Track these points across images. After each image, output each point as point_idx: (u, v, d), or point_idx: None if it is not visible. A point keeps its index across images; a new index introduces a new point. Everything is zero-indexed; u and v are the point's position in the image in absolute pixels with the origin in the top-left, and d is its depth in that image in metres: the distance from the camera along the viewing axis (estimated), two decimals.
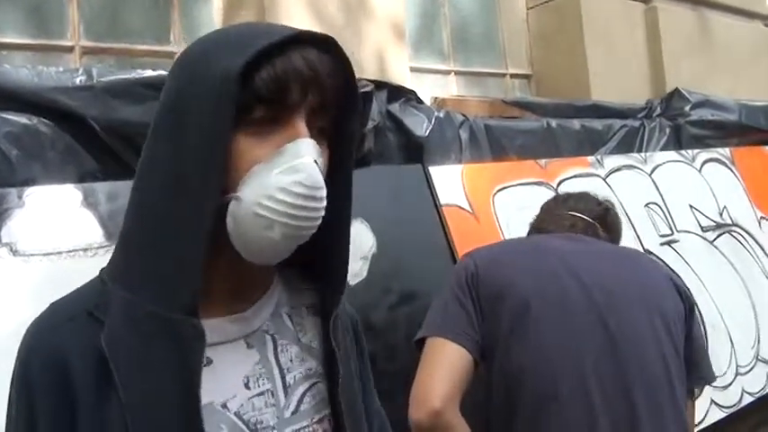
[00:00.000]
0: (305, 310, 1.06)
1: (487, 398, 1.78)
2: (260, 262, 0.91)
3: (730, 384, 3.19)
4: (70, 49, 3.19)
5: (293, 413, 0.97)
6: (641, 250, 3.17)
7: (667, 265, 3.15)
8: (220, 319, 0.94)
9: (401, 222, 2.53)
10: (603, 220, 2.00)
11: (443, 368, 1.68)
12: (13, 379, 0.89)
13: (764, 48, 6.33)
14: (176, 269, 0.86)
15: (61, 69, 1.98)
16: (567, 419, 1.64)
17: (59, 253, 1.80)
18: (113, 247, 0.94)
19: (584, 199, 2.08)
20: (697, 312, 1.86)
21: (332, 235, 0.99)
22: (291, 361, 1.00)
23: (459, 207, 2.75)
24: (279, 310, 1.02)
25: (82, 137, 1.98)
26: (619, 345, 1.68)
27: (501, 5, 5.19)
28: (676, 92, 4.15)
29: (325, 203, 0.88)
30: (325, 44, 0.91)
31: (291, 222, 0.86)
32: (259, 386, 0.95)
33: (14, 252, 1.75)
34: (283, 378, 0.98)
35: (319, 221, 0.89)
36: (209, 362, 0.91)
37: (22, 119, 1.89)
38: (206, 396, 0.87)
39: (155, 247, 0.88)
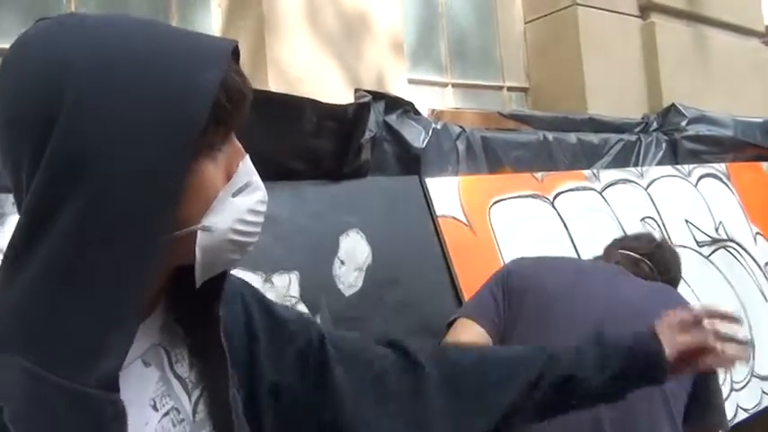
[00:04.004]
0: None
1: None
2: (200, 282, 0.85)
3: (725, 400, 3.18)
4: None
5: (193, 423, 0.89)
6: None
7: None
8: None
9: (397, 233, 2.53)
10: (652, 256, 2.12)
11: (463, 342, 1.84)
12: None
13: (761, 64, 6.36)
14: (102, 333, 0.72)
15: None
16: (567, 417, 1.68)
17: None
18: None
19: (639, 238, 2.27)
20: None
21: None
22: (189, 369, 0.92)
23: (456, 219, 2.75)
24: (168, 319, 0.92)
25: None
26: None
27: (498, 18, 5.22)
28: (673, 107, 4.16)
29: None
30: (237, 52, 0.85)
31: (254, 240, 0.86)
32: (164, 405, 0.86)
33: None
34: (186, 388, 0.90)
35: None
36: None
37: None
38: None
39: (79, 302, 0.72)
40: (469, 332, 1.87)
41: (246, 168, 0.85)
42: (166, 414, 0.86)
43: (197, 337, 0.93)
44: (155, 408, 0.85)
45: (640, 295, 1.93)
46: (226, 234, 0.82)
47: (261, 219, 0.85)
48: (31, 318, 0.72)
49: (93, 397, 0.71)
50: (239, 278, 1.12)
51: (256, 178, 0.85)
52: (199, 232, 0.80)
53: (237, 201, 0.83)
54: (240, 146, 0.86)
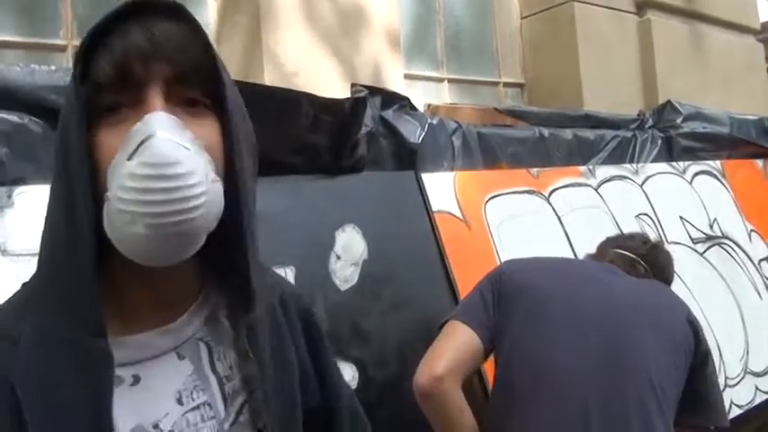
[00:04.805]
0: (242, 309, 0.95)
1: (493, 387, 1.92)
2: (153, 263, 0.80)
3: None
4: (63, 48, 3.19)
5: (232, 425, 0.90)
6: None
7: None
8: (147, 334, 0.87)
9: (393, 228, 2.52)
10: (646, 256, 2.13)
11: (452, 345, 1.85)
12: None
13: (756, 62, 6.38)
14: (73, 285, 0.79)
15: (53, 68, 1.97)
16: (559, 415, 1.72)
17: None
18: None
19: (633, 237, 2.27)
20: (712, 356, 1.94)
21: (231, 226, 0.89)
22: (231, 368, 0.93)
23: (451, 214, 2.75)
24: (216, 314, 0.95)
25: None
26: (619, 354, 1.77)
27: (495, 14, 5.22)
28: (668, 104, 4.16)
29: (192, 181, 0.77)
30: (173, 11, 0.84)
31: (148, 210, 0.75)
32: (193, 400, 0.88)
33: (3, 252, 1.74)
34: (222, 388, 0.91)
35: (194, 203, 0.77)
36: (137, 380, 0.84)
37: (13, 117, 1.88)
38: (134, 419, 0.82)
39: (53, 264, 0.83)
40: (461, 335, 1.87)
41: (143, 127, 0.77)
42: (195, 408, 0.87)
43: (247, 341, 0.92)
44: (179, 401, 0.86)
45: (634, 293, 1.94)
46: (114, 202, 0.77)
47: (144, 183, 0.75)
48: (36, 272, 0.86)
49: (81, 342, 0.78)
50: (308, 309, 1.11)
51: (156, 138, 0.76)
52: (105, 202, 0.78)
53: (128, 164, 0.76)
54: (151, 103, 0.79)
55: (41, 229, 0.86)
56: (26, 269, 1.74)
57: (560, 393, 1.73)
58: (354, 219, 2.42)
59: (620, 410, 1.71)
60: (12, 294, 0.89)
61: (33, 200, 1.83)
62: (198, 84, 0.84)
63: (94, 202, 0.79)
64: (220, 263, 0.93)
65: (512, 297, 1.91)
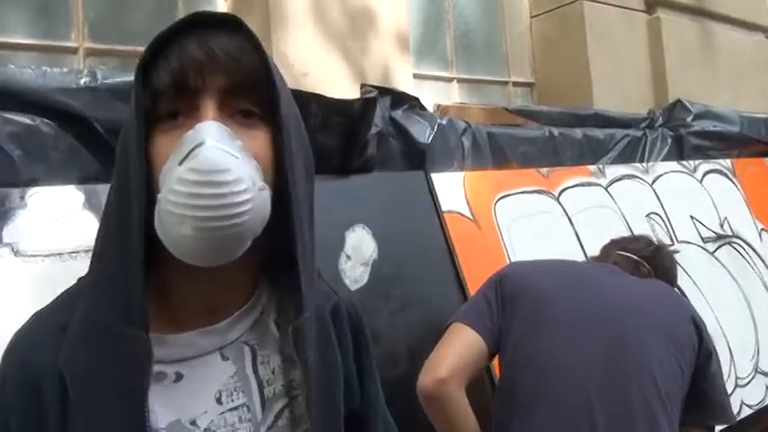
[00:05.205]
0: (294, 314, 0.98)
1: (497, 388, 1.95)
2: (198, 263, 0.84)
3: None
4: (75, 51, 3.20)
5: (269, 428, 0.93)
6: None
7: None
8: (191, 333, 0.91)
9: (402, 229, 2.53)
10: (650, 258, 2.11)
11: (457, 347, 1.85)
12: None
13: (766, 60, 6.34)
14: (122, 279, 0.83)
15: (65, 70, 1.98)
16: (564, 416, 1.73)
17: (61, 254, 1.80)
18: None
19: (638, 239, 2.25)
20: (717, 356, 1.92)
21: (286, 230, 0.92)
22: (273, 373, 0.96)
23: (461, 214, 2.75)
24: (265, 318, 0.98)
25: (85, 138, 1.98)
26: (621, 355, 1.77)
27: (505, 14, 5.21)
28: (678, 102, 4.15)
29: (238, 188, 0.80)
30: (230, 24, 0.88)
31: (196, 214, 0.79)
32: (233, 401, 0.91)
33: (16, 252, 1.75)
34: (261, 391, 0.94)
35: (240, 209, 0.81)
36: (179, 377, 0.88)
37: (25, 119, 1.89)
38: (173, 413, 0.86)
39: (106, 260, 0.87)
40: (464, 337, 1.87)
41: (194, 135, 0.81)
42: (234, 409, 0.91)
43: (293, 345, 0.94)
44: (218, 401, 0.90)
45: (636, 294, 1.94)
46: (164, 204, 0.81)
47: (194, 189, 0.79)
48: (90, 267, 0.90)
49: (125, 335, 0.82)
50: (359, 317, 1.13)
51: (205, 146, 0.80)
52: (157, 202, 0.83)
53: (179, 170, 0.80)
54: (204, 113, 0.83)
55: (98, 225, 0.91)
56: (38, 269, 1.76)
57: (563, 395, 1.74)
58: (364, 219, 2.43)
59: (624, 411, 1.70)
60: (68, 287, 0.94)
61: (45, 201, 1.84)
62: (252, 95, 0.87)
63: (148, 202, 0.83)
64: (275, 267, 0.98)
65: (514, 299, 1.91)
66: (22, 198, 1.81)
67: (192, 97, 0.84)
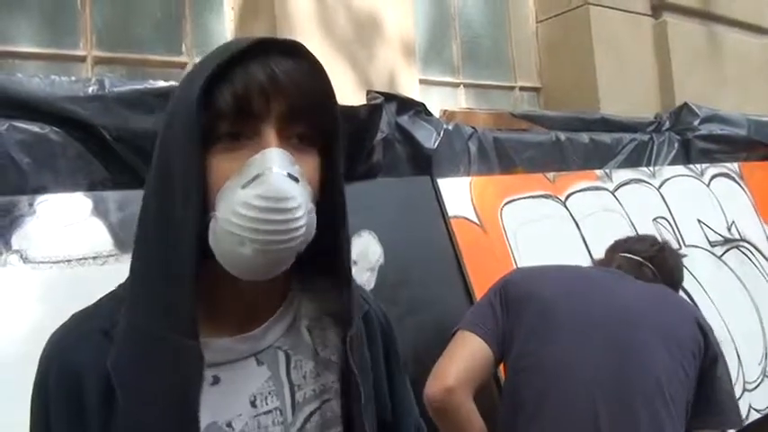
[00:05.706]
0: (328, 320, 1.04)
1: (503, 392, 1.94)
2: (249, 278, 0.88)
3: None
4: (83, 59, 3.22)
5: (298, 431, 0.96)
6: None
7: None
8: (228, 339, 0.94)
9: (409, 234, 2.53)
10: (654, 259, 2.10)
11: (463, 355, 1.85)
12: (34, 383, 0.91)
13: None
14: (171, 290, 0.86)
15: (73, 79, 2.00)
16: (568, 419, 1.73)
17: (69, 261, 1.81)
18: (123, 255, 0.96)
19: (643, 240, 2.23)
20: (723, 359, 1.91)
21: (332, 242, 0.97)
22: (305, 377, 0.99)
23: (467, 219, 2.75)
24: (297, 324, 1.01)
25: (93, 146, 1.99)
26: (625, 358, 1.76)
27: (511, 19, 5.21)
28: (685, 106, 4.15)
29: (299, 214, 0.85)
30: (293, 50, 0.90)
31: (259, 237, 0.83)
32: (267, 404, 0.94)
33: (25, 259, 1.76)
34: (293, 395, 0.97)
35: (297, 233, 0.86)
36: (216, 381, 0.91)
37: (33, 127, 1.91)
38: (210, 415, 0.89)
39: (152, 269, 0.89)
40: (470, 345, 1.87)
41: (260, 162, 0.84)
42: (268, 412, 0.94)
43: (349, 353, 0.97)
44: (253, 404, 0.94)
45: (640, 297, 1.93)
46: (224, 224, 0.84)
47: (260, 215, 0.82)
48: (131, 275, 0.91)
49: (175, 342, 0.84)
50: (389, 324, 1.17)
51: (272, 173, 0.83)
52: (212, 220, 0.86)
53: (239, 192, 0.83)
54: (268, 139, 0.86)
55: (135, 236, 0.93)
56: (47, 276, 1.77)
57: (568, 398, 1.73)
58: (370, 224, 2.43)
59: (628, 415, 1.70)
60: (106, 293, 0.96)
61: (54, 208, 1.85)
62: (310, 119, 0.90)
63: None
64: (308, 274, 1.01)
65: (519, 304, 1.91)
66: (31, 205, 1.83)
67: (255, 121, 0.86)
